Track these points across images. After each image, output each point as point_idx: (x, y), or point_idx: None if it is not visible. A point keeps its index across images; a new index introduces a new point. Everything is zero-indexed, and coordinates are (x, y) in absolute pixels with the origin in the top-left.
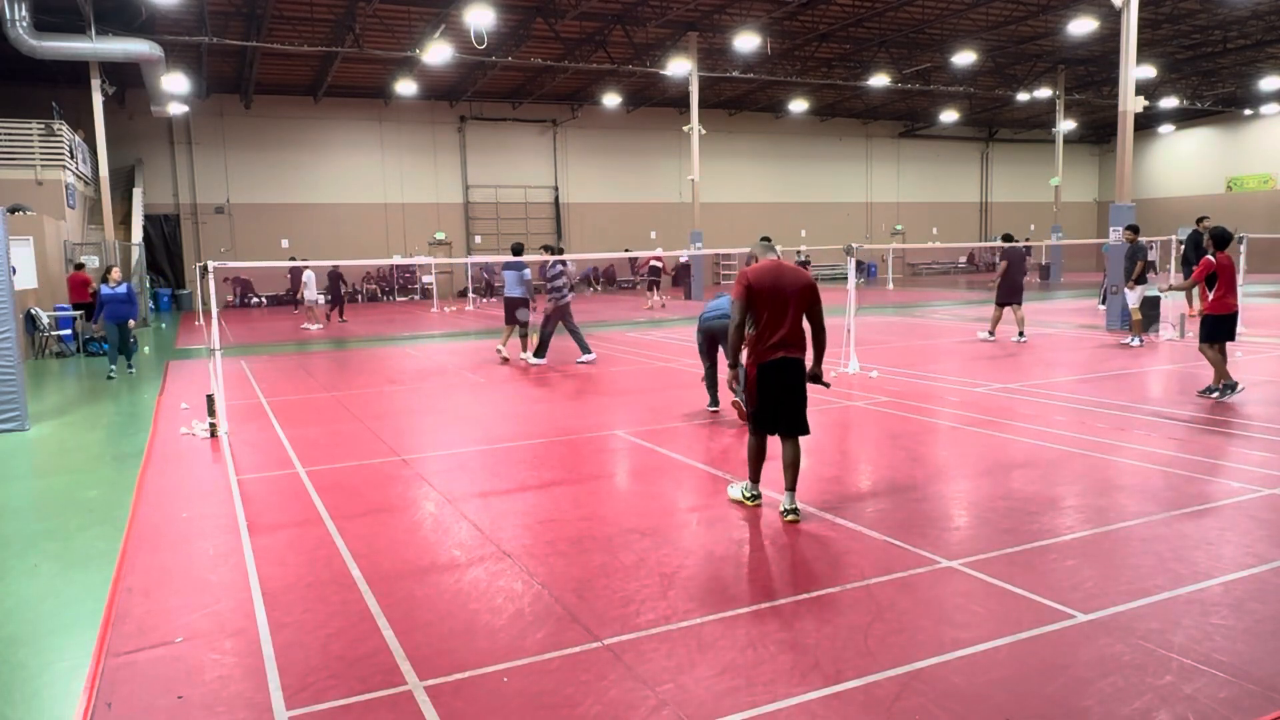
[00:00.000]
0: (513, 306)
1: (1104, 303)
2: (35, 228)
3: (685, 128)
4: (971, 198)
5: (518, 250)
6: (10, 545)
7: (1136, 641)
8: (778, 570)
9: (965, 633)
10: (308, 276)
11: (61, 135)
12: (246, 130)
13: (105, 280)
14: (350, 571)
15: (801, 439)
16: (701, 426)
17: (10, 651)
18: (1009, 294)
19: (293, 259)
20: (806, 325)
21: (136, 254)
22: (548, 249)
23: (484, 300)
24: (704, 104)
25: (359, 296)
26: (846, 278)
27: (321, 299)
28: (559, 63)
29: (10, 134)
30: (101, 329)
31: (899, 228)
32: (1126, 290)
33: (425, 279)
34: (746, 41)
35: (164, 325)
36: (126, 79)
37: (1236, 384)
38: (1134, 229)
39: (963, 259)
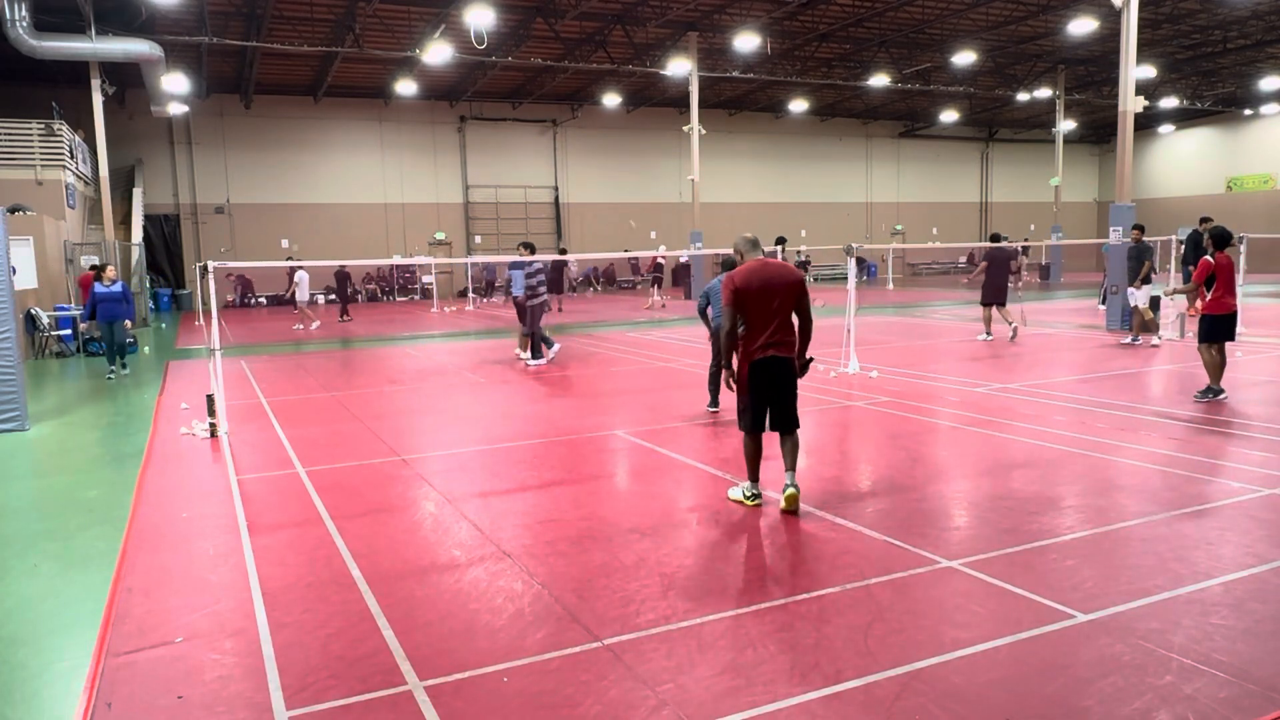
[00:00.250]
0: (520, 307)
1: (1104, 303)
2: (35, 228)
3: (685, 128)
4: (971, 198)
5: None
6: (10, 545)
7: (1136, 641)
8: (778, 570)
9: (965, 633)
10: (300, 276)
11: (61, 135)
12: (246, 130)
13: (99, 279)
14: (350, 571)
15: (800, 433)
16: (701, 426)
17: (10, 651)
18: (992, 294)
19: (290, 259)
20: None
21: (136, 254)
22: (526, 247)
23: (483, 300)
24: (704, 104)
25: (359, 296)
26: (846, 277)
27: (321, 298)
28: (559, 63)
29: (10, 134)
30: (95, 328)
31: (899, 228)
32: (1133, 290)
33: (425, 279)
34: (746, 41)
35: (164, 325)
36: (126, 79)
37: (1222, 391)
38: (1140, 228)
39: (963, 259)
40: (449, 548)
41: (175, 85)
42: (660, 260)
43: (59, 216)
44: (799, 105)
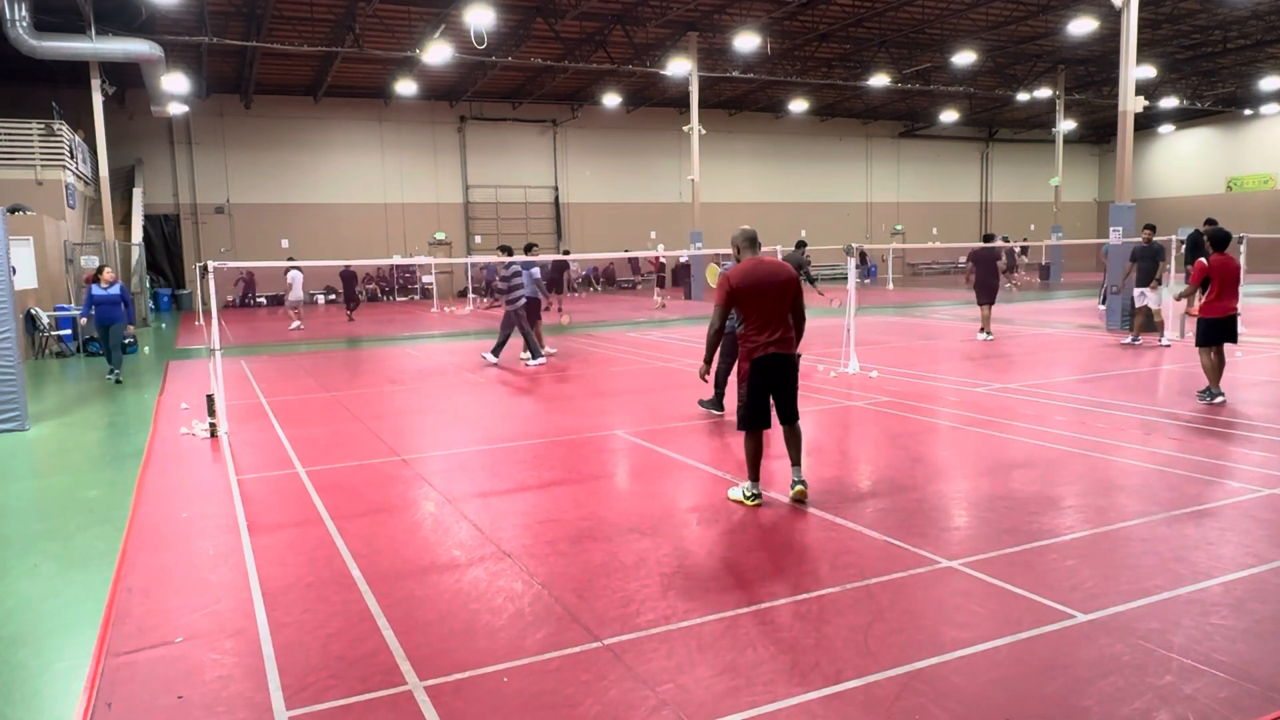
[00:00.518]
0: (531, 307)
1: (1104, 303)
2: (35, 228)
3: (685, 128)
4: (971, 198)
5: (529, 250)
6: (10, 545)
7: (1136, 641)
8: (778, 570)
9: (965, 633)
10: (292, 277)
11: (61, 135)
12: (246, 130)
13: (97, 280)
14: (350, 571)
15: (801, 429)
16: (701, 426)
17: (10, 651)
18: (981, 294)
19: (291, 259)
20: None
21: (136, 254)
22: (504, 250)
23: (483, 300)
24: (704, 104)
25: (361, 295)
26: (846, 277)
27: (322, 298)
28: (559, 63)
29: (10, 134)
30: (92, 329)
31: (899, 228)
32: (1147, 291)
33: (425, 279)
34: (746, 41)
35: (164, 325)
36: (126, 79)
37: (1220, 394)
38: (1151, 228)
39: (963, 259)
40: (449, 548)
41: (175, 85)
42: (661, 261)
43: (59, 216)
44: (799, 105)
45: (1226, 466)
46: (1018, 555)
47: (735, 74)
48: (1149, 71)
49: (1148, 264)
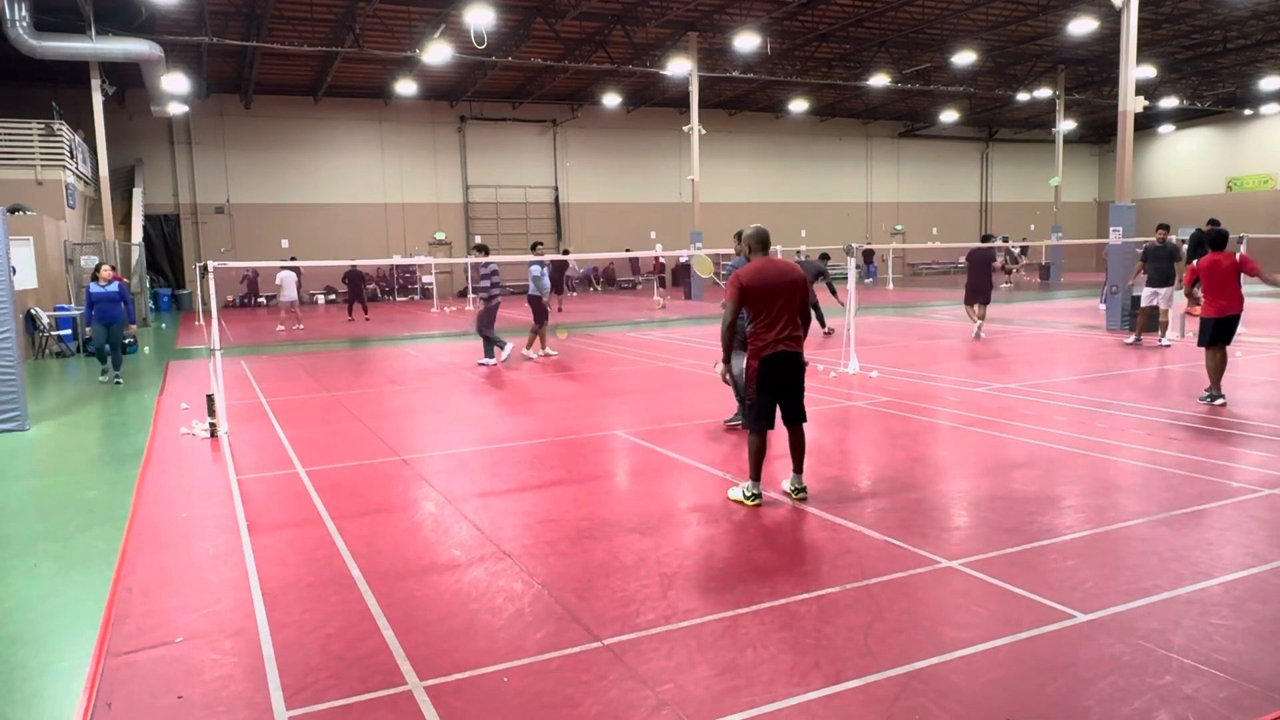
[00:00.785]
0: (535, 306)
1: (1105, 302)
2: (35, 228)
3: (685, 128)
4: (971, 198)
5: (534, 248)
6: (10, 545)
7: (1136, 641)
8: (778, 570)
9: (965, 633)
10: (282, 277)
11: (61, 135)
12: (246, 130)
13: (95, 278)
14: (350, 571)
15: (805, 431)
16: (701, 427)
17: (10, 651)
18: (972, 294)
19: (292, 259)
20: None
21: (136, 254)
22: (480, 249)
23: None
24: (704, 104)
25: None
26: (846, 277)
27: (322, 299)
28: (559, 63)
29: (10, 134)
30: (91, 331)
31: (899, 228)
32: (1161, 290)
33: (425, 279)
34: (746, 41)
35: (164, 325)
36: (126, 79)
37: (1220, 396)
38: (1165, 227)
39: (962, 259)
40: (449, 548)
41: (175, 85)
42: (662, 261)
43: (59, 216)
44: (799, 105)
45: (1227, 466)
46: (1018, 555)
47: (735, 74)
48: (1149, 71)
49: (1163, 264)
